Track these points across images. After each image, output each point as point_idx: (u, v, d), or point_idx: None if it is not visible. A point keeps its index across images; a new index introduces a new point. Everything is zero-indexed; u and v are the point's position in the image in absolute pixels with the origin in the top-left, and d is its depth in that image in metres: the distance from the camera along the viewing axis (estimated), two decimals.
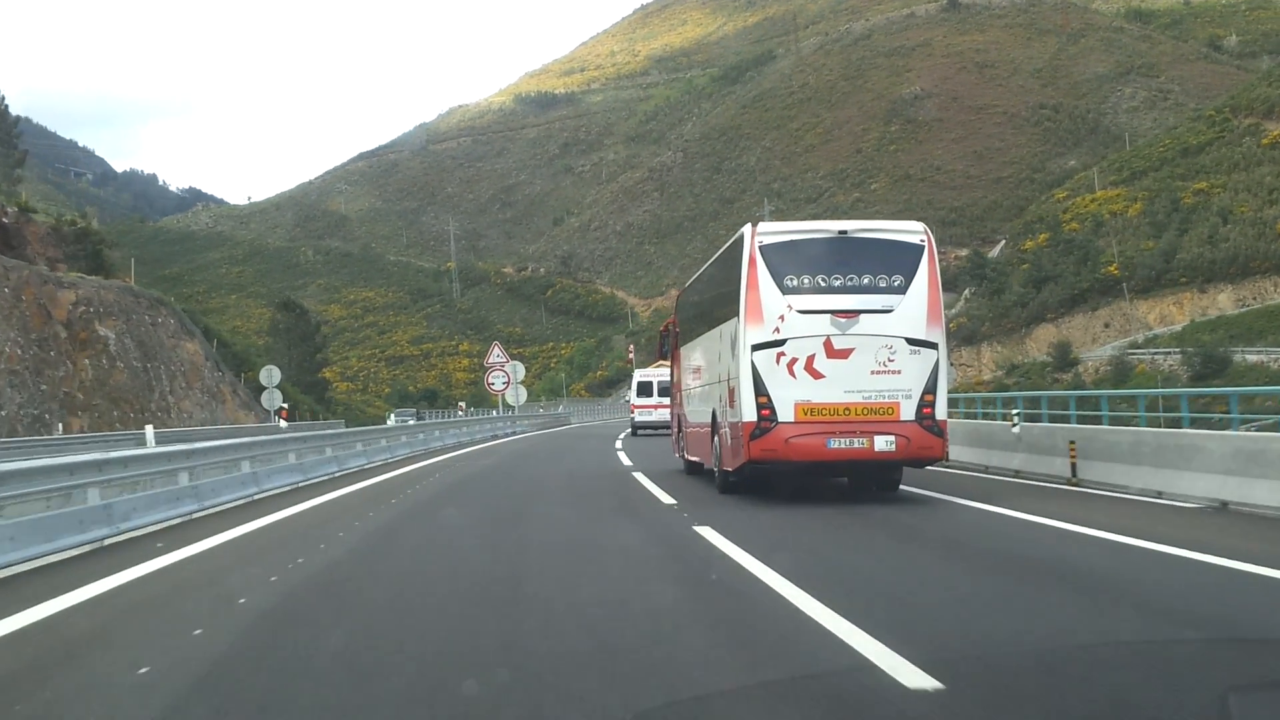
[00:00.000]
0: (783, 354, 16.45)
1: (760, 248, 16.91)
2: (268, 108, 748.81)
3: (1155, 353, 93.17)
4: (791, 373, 16.35)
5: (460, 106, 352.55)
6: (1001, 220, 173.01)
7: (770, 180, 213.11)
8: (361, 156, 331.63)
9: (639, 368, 66.36)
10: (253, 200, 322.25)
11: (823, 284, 16.74)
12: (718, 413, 18.96)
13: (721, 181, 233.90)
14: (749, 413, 16.44)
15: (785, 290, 16.65)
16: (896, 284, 16.66)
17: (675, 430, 26.41)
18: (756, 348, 16.50)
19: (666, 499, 18.46)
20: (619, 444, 40.10)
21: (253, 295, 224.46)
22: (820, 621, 8.24)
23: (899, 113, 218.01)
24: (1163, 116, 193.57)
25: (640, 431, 47.74)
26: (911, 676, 6.53)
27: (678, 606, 9.18)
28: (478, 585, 10.59)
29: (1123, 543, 12.34)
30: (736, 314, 16.98)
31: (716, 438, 19.19)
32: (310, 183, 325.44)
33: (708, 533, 13.53)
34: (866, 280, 16.65)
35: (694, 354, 22.77)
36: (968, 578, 10.74)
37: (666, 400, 38.25)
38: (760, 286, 16.67)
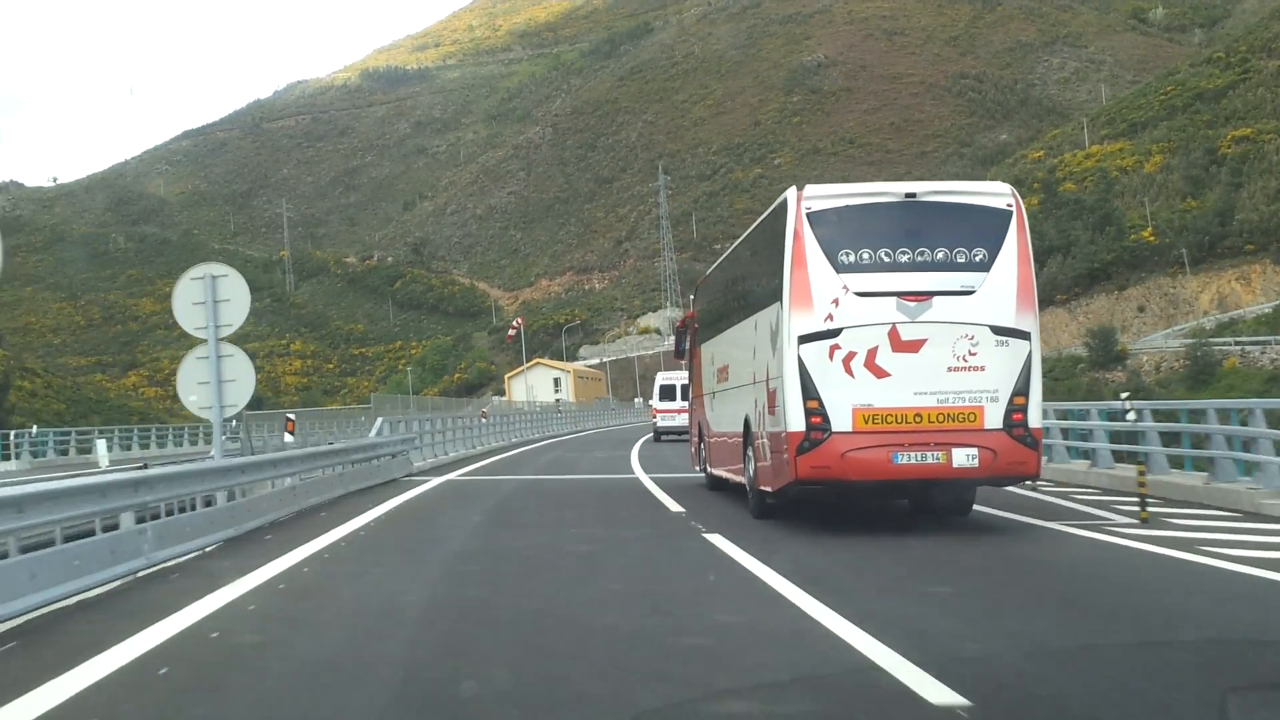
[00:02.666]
0: (837, 347, 12.94)
1: (808, 216, 13.17)
2: (77, 79, 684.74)
3: (1246, 342, 66.79)
4: (848, 370, 12.90)
5: (300, 82, 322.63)
6: None
7: (655, 156, 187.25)
8: (186, 135, 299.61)
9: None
10: (58, 182, 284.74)
11: (886, 259, 13.20)
12: (752, 420, 15.35)
13: (597, 159, 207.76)
14: (795, 421, 12.97)
15: (840, 268, 13.08)
16: (979, 258, 13.19)
17: (695, 439, 22.44)
18: (804, 340, 12.98)
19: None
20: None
21: (51, 288, 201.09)
22: None
23: (800, 82, 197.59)
24: (1098, 88, 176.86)
25: (664, 437, 44.92)
26: None
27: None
28: None
29: None
30: (778, 299, 13.40)
31: (750, 450, 15.53)
32: (126, 163, 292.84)
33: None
34: (941, 254, 13.20)
35: (720, 351, 18.82)
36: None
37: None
38: (808, 264, 13.10)
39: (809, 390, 12.92)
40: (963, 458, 12.83)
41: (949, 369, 12.90)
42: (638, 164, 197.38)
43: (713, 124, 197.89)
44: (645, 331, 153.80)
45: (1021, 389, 12.96)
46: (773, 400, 13.83)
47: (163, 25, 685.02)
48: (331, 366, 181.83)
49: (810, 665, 6.89)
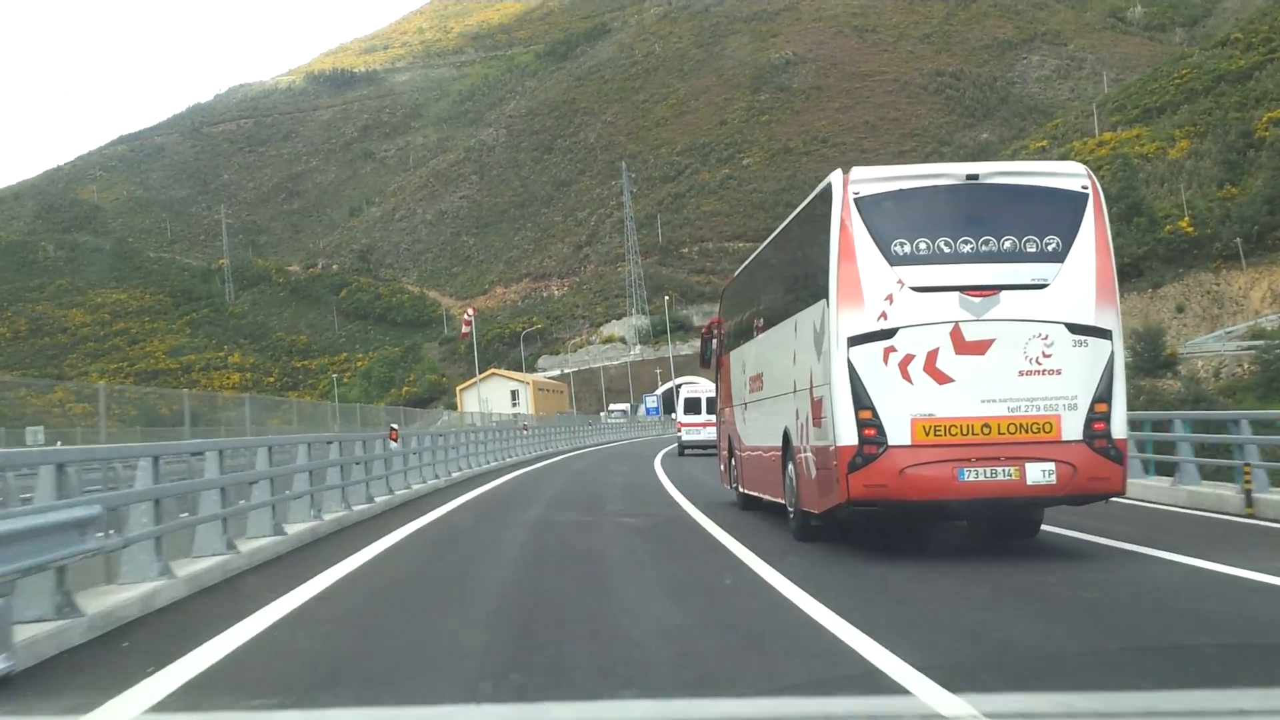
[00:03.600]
0: (892, 349, 11.63)
1: (856, 201, 11.84)
2: (7, 82, 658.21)
3: None
4: (906, 376, 11.61)
5: (242, 86, 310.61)
6: None
7: (615, 158, 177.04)
8: (123, 140, 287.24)
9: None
10: None
11: (946, 250, 11.83)
12: (792, 432, 14.07)
13: (554, 162, 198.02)
14: (846, 433, 11.67)
15: (894, 260, 11.73)
16: (1052, 248, 11.87)
17: (724, 454, 20.82)
18: (855, 341, 11.68)
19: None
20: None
21: None
22: None
23: (768, 80, 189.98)
24: (1081, 86, 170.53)
25: (688, 451, 44.53)
26: None
27: None
28: None
29: None
30: (823, 297, 12.06)
31: (791, 466, 14.24)
32: (58, 169, 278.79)
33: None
34: (1009, 243, 11.89)
35: (753, 358, 17.34)
36: None
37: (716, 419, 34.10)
38: (858, 256, 11.76)
39: (861, 399, 11.56)
40: (1038, 473, 11.55)
41: (1020, 373, 11.59)
42: (597, 166, 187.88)
43: (676, 124, 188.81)
44: (609, 340, 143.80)
45: (1103, 395, 11.67)
46: (818, 411, 12.50)
47: (100, 27, 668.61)
48: (272, 380, 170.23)
49: None
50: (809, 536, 13.57)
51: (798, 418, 13.62)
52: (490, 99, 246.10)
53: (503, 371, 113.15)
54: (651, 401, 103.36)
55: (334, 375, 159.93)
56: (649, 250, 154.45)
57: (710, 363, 21.72)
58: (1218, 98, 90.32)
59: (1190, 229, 72.75)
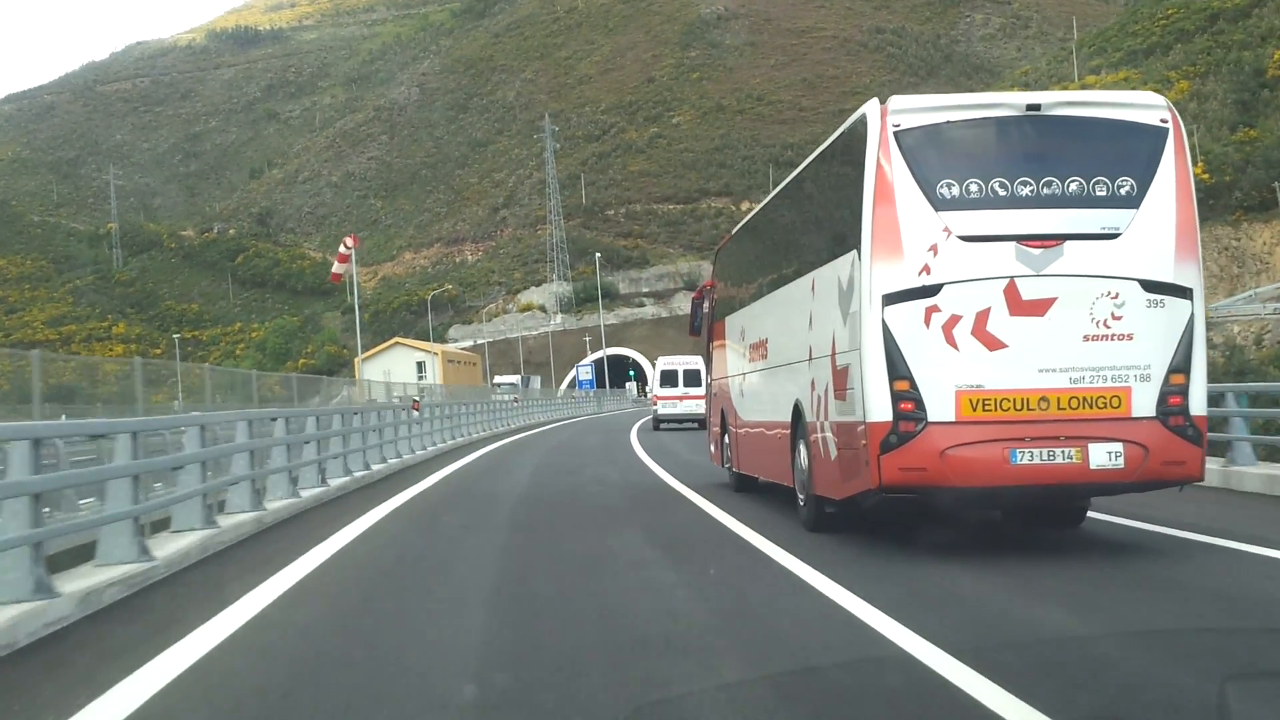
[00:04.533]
0: (935, 309, 9.77)
1: (896, 135, 9.84)
2: None
3: None
4: (950, 340, 9.77)
5: (140, 44, 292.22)
6: None
7: (535, 117, 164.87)
8: (10, 99, 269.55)
9: None
10: None
11: (1001, 192, 9.91)
12: (806, 406, 12.30)
13: (470, 121, 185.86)
14: (878, 407, 9.82)
15: (939, 204, 9.83)
16: (1125, 191, 9.97)
17: (716, 430, 18.93)
18: (891, 300, 9.81)
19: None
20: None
21: None
22: None
23: (699, 36, 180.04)
24: (1027, 45, 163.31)
25: (664, 425, 43.76)
26: None
27: None
28: None
29: None
30: (853, 247, 10.18)
31: (803, 445, 12.52)
32: None
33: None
34: (1075, 186, 9.96)
35: (755, 322, 15.52)
36: None
37: (693, 390, 40.92)
38: (898, 199, 9.83)
39: (897, 367, 9.74)
40: (1103, 456, 9.76)
41: (1085, 338, 9.79)
42: (517, 125, 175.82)
43: (601, 81, 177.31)
44: (528, 308, 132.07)
45: (1181, 364, 9.88)
46: (842, 381, 10.70)
47: None
48: (159, 352, 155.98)
49: None
50: (823, 526, 11.87)
51: (813, 389, 11.83)
52: (403, 58, 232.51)
53: (408, 341, 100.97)
54: (584, 372, 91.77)
55: (231, 349, 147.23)
56: (572, 213, 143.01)
57: (700, 330, 20.18)
58: (1216, 36, 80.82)
59: (1207, 176, 62.59)
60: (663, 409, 44.98)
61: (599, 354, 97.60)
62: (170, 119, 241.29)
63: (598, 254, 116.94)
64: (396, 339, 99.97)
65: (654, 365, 50.14)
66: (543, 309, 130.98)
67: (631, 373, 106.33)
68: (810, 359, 11.89)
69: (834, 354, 10.85)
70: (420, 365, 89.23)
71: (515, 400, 54.94)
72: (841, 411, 10.63)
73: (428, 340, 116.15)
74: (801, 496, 12.58)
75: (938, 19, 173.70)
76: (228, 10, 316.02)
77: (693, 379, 42.45)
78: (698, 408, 39.73)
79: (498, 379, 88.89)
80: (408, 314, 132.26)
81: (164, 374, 34.73)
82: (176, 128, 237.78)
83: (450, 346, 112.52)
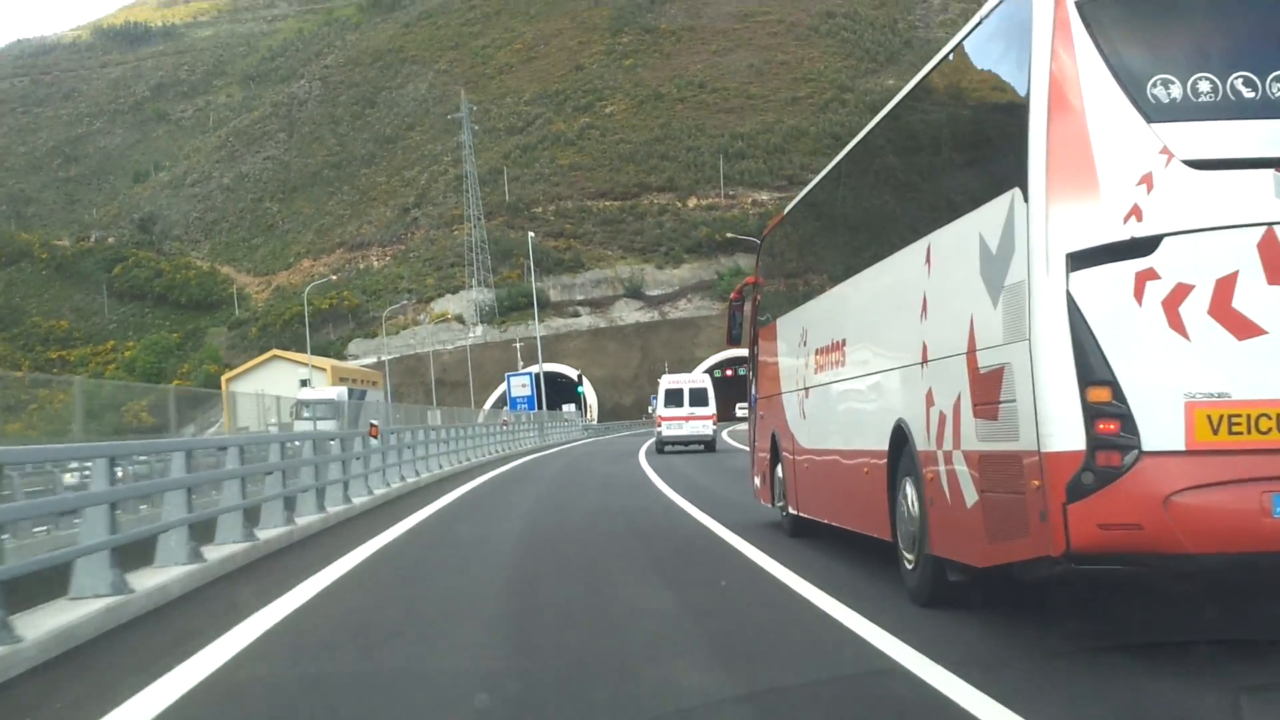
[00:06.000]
0: (1151, 276, 6.66)
1: (1081, 7, 6.82)
2: None
3: None
4: (1176, 324, 6.65)
5: (21, 41, 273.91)
6: (811, 152, 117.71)
7: (450, 110, 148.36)
8: None
9: None
10: None
11: (1249, 93, 6.72)
12: (914, 429, 9.08)
13: (378, 117, 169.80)
14: (1063, 428, 6.67)
15: (1153, 112, 6.72)
16: None
17: (763, 458, 15.72)
18: (1081, 261, 6.70)
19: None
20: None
21: None
22: None
23: (631, 21, 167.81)
24: None
25: (668, 448, 42.32)
26: None
27: None
28: None
29: None
30: (1014, 185, 7.03)
31: (912, 485, 9.16)
32: None
33: None
34: None
35: (827, 319, 12.23)
36: None
37: (699, 411, 41.64)
38: (1086, 104, 6.76)
39: (1092, 366, 6.57)
40: None
41: None
42: (430, 119, 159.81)
43: (524, 71, 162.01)
44: (441, 319, 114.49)
45: None
46: (988, 390, 7.45)
47: None
48: (21, 376, 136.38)
49: None
50: (941, 600, 8.58)
51: (930, 405, 8.57)
52: (305, 54, 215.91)
53: (289, 354, 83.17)
54: (519, 385, 73.77)
55: (101, 368, 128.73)
56: (494, 211, 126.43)
57: (737, 339, 17.62)
58: None
59: None
60: (667, 430, 43.37)
61: (533, 368, 79.61)
62: (50, 120, 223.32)
63: (530, 235, 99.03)
64: (274, 352, 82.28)
65: (658, 382, 48.76)
66: (460, 319, 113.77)
67: (580, 389, 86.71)
68: (925, 362, 8.74)
69: (972, 350, 7.70)
70: (305, 384, 71.45)
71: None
72: (988, 436, 7.47)
73: (328, 357, 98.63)
74: (909, 556, 9.29)
75: (892, 3, 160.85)
76: (119, 7, 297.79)
77: (699, 398, 42.56)
78: (704, 429, 42.23)
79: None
80: (300, 327, 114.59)
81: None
82: (57, 129, 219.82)
83: (348, 363, 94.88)
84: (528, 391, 71.52)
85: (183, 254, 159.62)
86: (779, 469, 14.63)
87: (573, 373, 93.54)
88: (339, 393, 56.53)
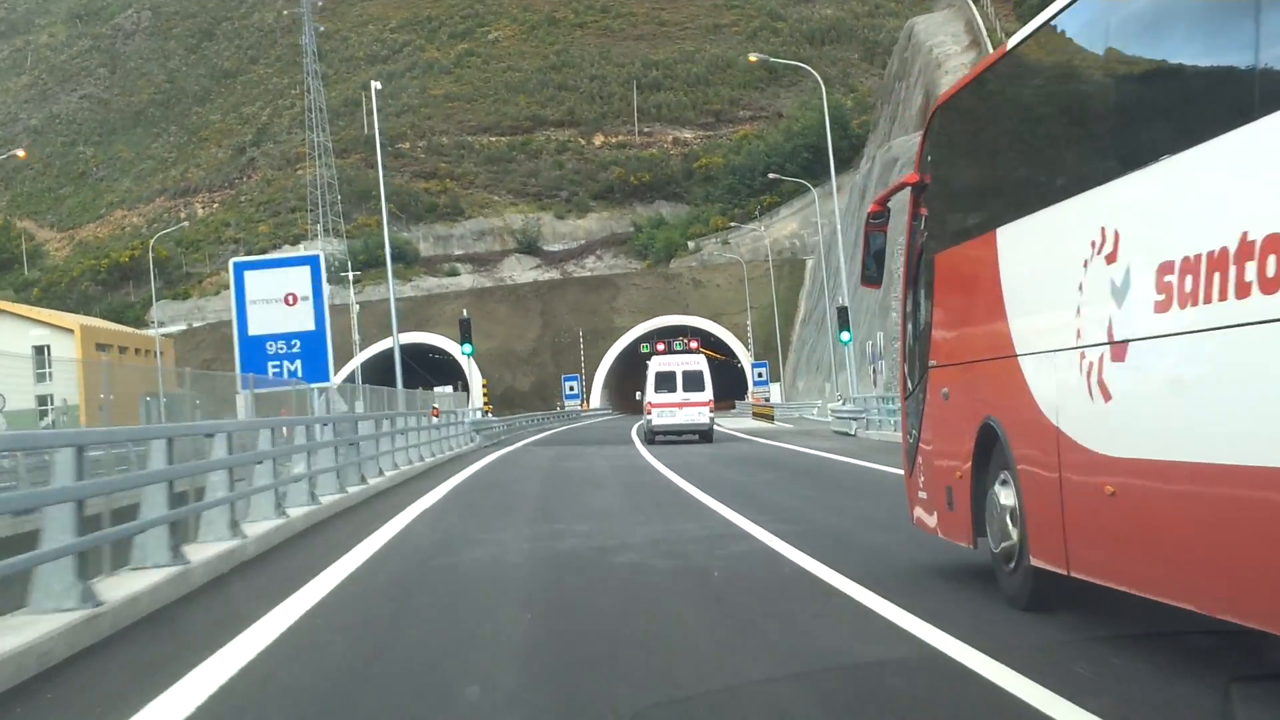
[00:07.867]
0: None
1: None
2: None
3: None
4: None
5: None
6: (742, 85, 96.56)
7: (300, 39, 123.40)
8: None
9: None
10: None
11: None
12: None
13: (217, 50, 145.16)
14: None
15: None
16: None
17: (944, 467, 9.36)
18: None
19: None
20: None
21: None
22: None
23: None
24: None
25: (659, 438, 38.73)
26: None
27: None
28: None
29: None
30: None
31: None
32: None
33: None
34: None
35: (1173, 203, 6.01)
36: None
37: (694, 396, 38.25)
38: None
39: None
40: None
41: None
42: (276, 51, 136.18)
43: None
44: None
45: None
46: None
47: None
48: None
49: None
50: None
51: None
52: None
53: (20, 308, 59.50)
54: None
55: None
56: (349, 148, 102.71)
57: (879, 278, 10.92)
58: None
59: None
60: (658, 418, 39.30)
61: (386, 342, 56.02)
62: None
63: (380, 158, 76.23)
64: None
65: (646, 366, 43.12)
66: None
67: (467, 349, 63.62)
68: None
69: None
70: (41, 351, 47.72)
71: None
72: None
73: (123, 324, 74.43)
74: None
75: None
76: None
77: (694, 382, 38.86)
78: (700, 417, 38.36)
79: None
80: (94, 286, 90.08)
81: None
82: None
83: (116, 327, 70.92)
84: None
85: None
86: (1000, 489, 8.22)
87: (445, 343, 71.29)
88: None
